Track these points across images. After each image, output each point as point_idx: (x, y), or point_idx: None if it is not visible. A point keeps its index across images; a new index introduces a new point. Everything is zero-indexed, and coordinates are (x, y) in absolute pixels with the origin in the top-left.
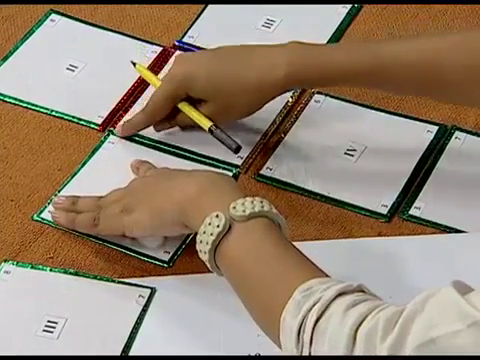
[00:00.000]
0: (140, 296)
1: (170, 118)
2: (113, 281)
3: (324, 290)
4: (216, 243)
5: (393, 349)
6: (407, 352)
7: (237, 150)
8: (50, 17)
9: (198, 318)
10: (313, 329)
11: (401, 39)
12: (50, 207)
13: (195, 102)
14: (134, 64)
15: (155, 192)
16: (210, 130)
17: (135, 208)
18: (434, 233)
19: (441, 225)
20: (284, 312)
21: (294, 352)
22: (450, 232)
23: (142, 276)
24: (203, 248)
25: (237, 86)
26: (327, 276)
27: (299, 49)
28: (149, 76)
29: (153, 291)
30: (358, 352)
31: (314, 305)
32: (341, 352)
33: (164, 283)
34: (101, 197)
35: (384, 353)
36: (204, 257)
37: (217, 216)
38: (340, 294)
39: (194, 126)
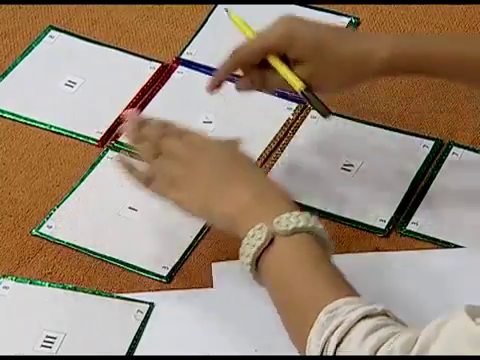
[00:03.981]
0: (138, 311)
1: (256, 78)
2: (111, 296)
3: (348, 312)
4: (257, 255)
5: None
6: None
7: (327, 115)
8: (49, 33)
9: (196, 333)
10: (335, 352)
11: None
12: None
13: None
14: (227, 10)
15: (210, 187)
16: (302, 92)
17: (186, 190)
18: (432, 248)
19: (439, 240)
20: (311, 333)
21: None
22: (448, 247)
23: (140, 291)
24: (245, 260)
25: (341, 55)
26: (357, 295)
27: (407, 36)
28: (244, 28)
29: (151, 306)
30: None
31: (336, 328)
32: None
33: (162, 298)
34: (167, 124)
35: None
36: (246, 268)
37: (260, 229)
38: (363, 317)
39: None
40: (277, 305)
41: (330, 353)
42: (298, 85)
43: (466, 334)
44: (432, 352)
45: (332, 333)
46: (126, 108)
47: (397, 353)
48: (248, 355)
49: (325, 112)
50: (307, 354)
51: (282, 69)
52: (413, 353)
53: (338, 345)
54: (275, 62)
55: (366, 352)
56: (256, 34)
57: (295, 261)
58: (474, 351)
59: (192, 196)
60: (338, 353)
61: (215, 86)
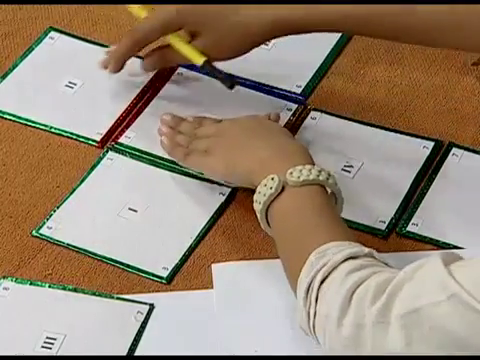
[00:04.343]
0: (138, 312)
1: (157, 56)
2: (111, 297)
3: (335, 253)
4: (267, 203)
5: (381, 313)
6: (392, 317)
7: (232, 86)
8: (49, 34)
9: (196, 334)
10: (318, 289)
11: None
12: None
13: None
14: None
15: (236, 147)
16: (203, 65)
17: (215, 153)
18: (432, 249)
19: (439, 241)
20: (301, 272)
21: (303, 311)
22: (448, 248)
23: (141, 292)
24: (257, 207)
25: (229, 23)
26: (351, 240)
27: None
28: (139, 11)
29: (152, 307)
30: (350, 314)
31: (323, 267)
32: (335, 314)
33: (162, 299)
34: (201, 118)
35: (372, 316)
36: (258, 216)
37: (272, 179)
38: (349, 258)
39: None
40: (279, 250)
41: (314, 290)
42: (198, 59)
43: (437, 279)
44: (404, 291)
45: (319, 271)
46: (126, 109)
47: (372, 291)
48: (248, 355)
49: (228, 83)
50: (297, 293)
51: (181, 45)
52: (387, 291)
53: (322, 282)
54: (173, 39)
55: (345, 289)
56: (150, 13)
57: (299, 208)
58: (440, 294)
59: (219, 158)
60: (321, 290)
61: (116, 68)
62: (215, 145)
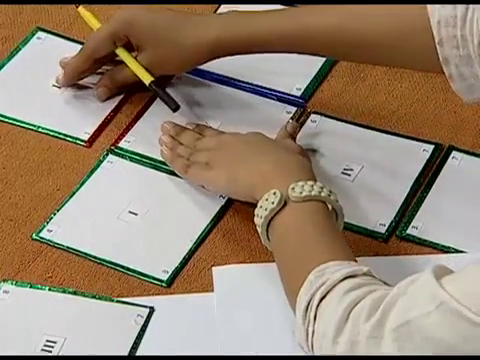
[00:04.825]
0: (138, 316)
1: (107, 82)
2: (111, 300)
3: (333, 272)
4: (269, 218)
5: (374, 329)
6: (386, 331)
7: (176, 109)
8: (36, 35)
9: (196, 338)
10: (317, 308)
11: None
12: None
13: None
14: (77, 6)
15: (238, 161)
16: (150, 85)
17: (217, 167)
18: (432, 253)
19: (438, 245)
20: (300, 290)
21: (302, 329)
22: (448, 252)
23: (141, 295)
24: (258, 222)
25: (173, 42)
26: (354, 260)
27: (233, 17)
28: (90, 19)
29: (152, 310)
30: (346, 332)
31: (321, 286)
32: (331, 333)
33: (162, 303)
34: (202, 127)
35: (366, 332)
36: (259, 230)
37: (274, 194)
38: (348, 277)
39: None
40: (278, 265)
41: (313, 309)
42: (146, 78)
43: (428, 292)
44: (397, 306)
45: (317, 290)
46: (114, 108)
47: (367, 308)
48: (248, 355)
49: (173, 105)
50: (296, 310)
51: (130, 62)
52: (381, 307)
53: (321, 301)
54: (124, 55)
55: (342, 308)
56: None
57: (300, 224)
58: (430, 305)
59: (221, 171)
60: (320, 308)
61: (66, 83)
62: (216, 158)
